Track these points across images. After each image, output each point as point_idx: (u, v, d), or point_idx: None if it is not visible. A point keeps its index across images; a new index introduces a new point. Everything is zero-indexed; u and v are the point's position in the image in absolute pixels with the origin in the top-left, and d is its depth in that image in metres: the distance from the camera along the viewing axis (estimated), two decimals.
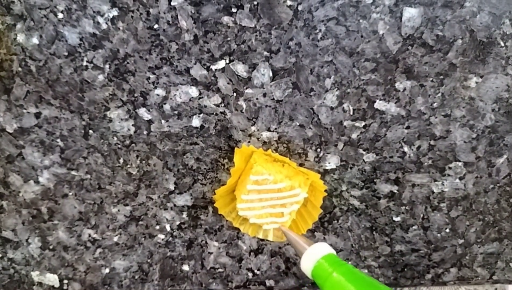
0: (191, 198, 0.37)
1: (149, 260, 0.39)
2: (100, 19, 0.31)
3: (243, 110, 0.34)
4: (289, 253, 0.39)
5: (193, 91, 0.34)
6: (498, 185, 0.37)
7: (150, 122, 0.34)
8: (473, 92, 0.34)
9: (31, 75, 0.33)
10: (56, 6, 0.31)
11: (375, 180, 0.37)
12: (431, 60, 0.33)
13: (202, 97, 0.34)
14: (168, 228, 0.38)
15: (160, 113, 0.34)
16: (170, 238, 0.38)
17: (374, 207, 0.38)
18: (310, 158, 0.36)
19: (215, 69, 0.33)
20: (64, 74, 0.33)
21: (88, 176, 0.36)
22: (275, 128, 0.35)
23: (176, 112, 0.34)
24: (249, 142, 0.35)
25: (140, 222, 0.37)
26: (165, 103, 0.34)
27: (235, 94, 0.34)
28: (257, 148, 0.35)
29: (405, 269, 0.40)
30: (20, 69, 0.33)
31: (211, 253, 0.39)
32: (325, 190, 0.35)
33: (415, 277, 0.40)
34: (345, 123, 0.35)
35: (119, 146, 0.35)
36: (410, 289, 0.44)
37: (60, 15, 0.31)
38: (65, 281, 0.38)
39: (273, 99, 0.34)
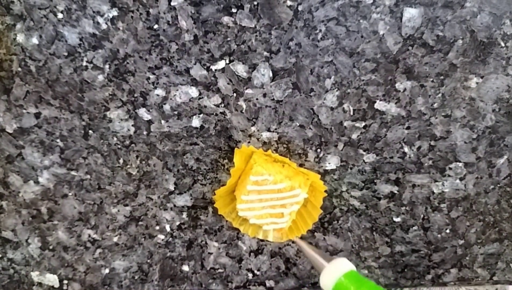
0: (191, 199, 0.37)
1: (149, 261, 0.39)
2: (100, 19, 0.31)
3: (243, 111, 0.34)
4: (289, 253, 0.39)
5: (193, 91, 0.34)
6: (498, 185, 0.37)
7: (150, 122, 0.34)
8: (473, 92, 0.34)
9: (31, 75, 0.33)
10: (56, 6, 0.31)
11: (375, 181, 0.37)
12: (431, 61, 0.33)
13: (202, 98, 0.34)
14: (168, 228, 0.38)
15: (160, 114, 0.34)
16: (170, 239, 0.38)
17: (374, 208, 0.38)
18: (310, 159, 0.36)
19: (215, 69, 0.33)
20: (64, 74, 0.33)
21: (88, 176, 0.36)
22: (275, 129, 0.35)
23: (176, 112, 0.34)
24: (249, 142, 0.35)
25: (140, 223, 0.37)
26: (165, 103, 0.34)
27: (235, 94, 0.34)
28: (257, 148, 0.35)
29: (405, 270, 0.40)
30: (19, 69, 0.33)
31: (211, 253, 0.39)
32: (325, 191, 0.35)
33: (416, 277, 0.40)
34: (345, 124, 0.35)
35: (119, 146, 0.35)
36: None
37: (60, 15, 0.31)
38: (65, 281, 0.38)
39: (273, 99, 0.34)
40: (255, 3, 0.31)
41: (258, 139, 0.35)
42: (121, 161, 0.35)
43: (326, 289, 0.29)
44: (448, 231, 0.39)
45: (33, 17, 0.31)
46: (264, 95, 0.34)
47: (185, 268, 0.39)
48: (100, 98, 0.34)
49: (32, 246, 0.37)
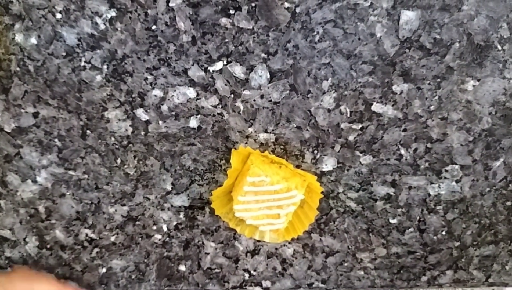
0: (188, 199, 0.37)
1: (146, 260, 0.39)
2: (98, 20, 0.32)
3: (241, 112, 0.34)
4: (285, 254, 0.39)
5: (191, 92, 0.34)
6: (494, 188, 0.38)
7: (147, 122, 0.35)
8: (470, 95, 0.35)
9: (29, 75, 0.33)
10: (55, 6, 0.31)
11: (371, 182, 0.37)
12: (428, 63, 0.33)
13: (200, 98, 0.34)
14: (165, 228, 0.38)
15: (158, 114, 0.34)
16: (167, 238, 0.38)
17: (371, 209, 0.38)
18: (307, 160, 0.36)
19: (213, 71, 0.33)
20: (62, 74, 0.33)
21: (86, 176, 0.36)
22: (272, 130, 0.35)
23: (173, 113, 0.34)
24: (246, 143, 0.36)
25: (137, 222, 0.38)
26: (162, 104, 0.34)
27: (232, 95, 0.34)
28: (254, 149, 0.35)
29: (401, 271, 0.40)
30: (18, 69, 0.33)
31: (208, 253, 0.39)
32: (322, 192, 0.35)
33: (411, 279, 0.40)
34: (342, 125, 0.35)
35: (117, 146, 0.35)
36: None
37: (59, 16, 0.31)
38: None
39: (271, 100, 0.34)
40: (253, 4, 0.31)
41: (255, 140, 0.35)
42: (118, 161, 0.36)
43: None
44: (444, 233, 0.39)
45: (31, 17, 0.31)
46: (262, 97, 0.34)
47: (182, 268, 0.39)
48: (98, 98, 0.34)
49: (30, 245, 0.38)
